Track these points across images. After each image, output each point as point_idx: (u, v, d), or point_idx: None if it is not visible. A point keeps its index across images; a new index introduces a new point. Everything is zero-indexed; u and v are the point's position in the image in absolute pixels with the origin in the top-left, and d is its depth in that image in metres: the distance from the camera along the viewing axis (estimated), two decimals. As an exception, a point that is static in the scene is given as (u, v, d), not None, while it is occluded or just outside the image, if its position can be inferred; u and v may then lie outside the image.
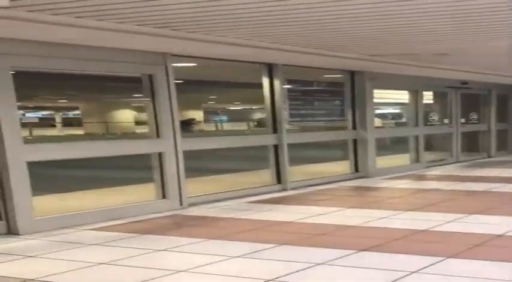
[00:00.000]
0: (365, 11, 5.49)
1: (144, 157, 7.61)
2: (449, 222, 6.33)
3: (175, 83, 7.57)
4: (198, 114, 30.33)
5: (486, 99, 15.23)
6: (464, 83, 13.76)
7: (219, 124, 33.61)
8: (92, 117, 27.27)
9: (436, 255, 4.83)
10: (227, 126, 32.56)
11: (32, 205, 6.18)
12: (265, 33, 6.72)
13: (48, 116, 29.30)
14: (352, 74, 10.78)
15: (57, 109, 29.42)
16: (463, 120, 14.38)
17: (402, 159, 12.74)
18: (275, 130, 9.23)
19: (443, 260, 4.71)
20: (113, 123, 27.45)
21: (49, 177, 8.34)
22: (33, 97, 20.82)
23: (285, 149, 9.24)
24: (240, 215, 7.07)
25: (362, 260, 4.79)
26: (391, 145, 14.97)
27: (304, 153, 11.59)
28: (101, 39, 6.30)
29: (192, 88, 16.57)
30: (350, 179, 10.60)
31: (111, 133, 26.12)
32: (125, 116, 28.41)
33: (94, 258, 4.95)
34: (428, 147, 13.45)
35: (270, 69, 9.09)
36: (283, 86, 9.26)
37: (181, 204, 7.59)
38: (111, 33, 6.00)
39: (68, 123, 29.90)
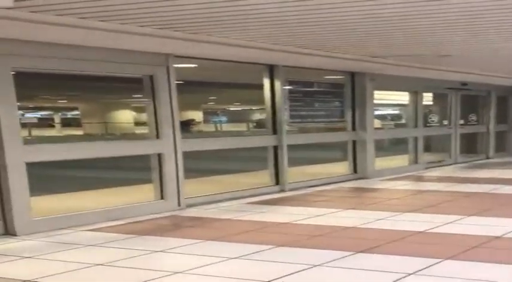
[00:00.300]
0: (373, 12, 5.50)
1: (144, 158, 7.61)
2: (447, 223, 6.32)
3: (176, 83, 7.57)
4: (197, 115, 30.31)
5: (485, 101, 15.24)
6: (464, 84, 13.76)
7: (218, 125, 33.59)
8: (91, 118, 27.26)
9: (434, 257, 4.82)
10: (226, 127, 32.53)
11: (30, 206, 6.18)
12: (268, 34, 6.74)
13: (48, 116, 29.27)
14: (352, 75, 10.78)
15: (57, 109, 29.40)
16: (462, 122, 14.39)
17: (401, 160, 12.74)
18: (275, 131, 9.23)
19: (440, 261, 4.70)
20: (113, 123, 27.45)
21: (47, 177, 8.32)
22: (32, 97, 20.79)
23: (285, 150, 9.24)
24: (237, 216, 7.06)
25: (359, 262, 4.79)
26: (390, 146, 14.97)
27: (303, 154, 11.58)
28: (103, 40, 6.31)
29: (192, 89, 16.55)
30: (348, 180, 10.59)
31: (111, 134, 26.10)
32: (125, 116, 28.41)
33: (91, 259, 4.95)
34: (427, 148, 13.45)
35: (271, 70, 9.09)
36: (284, 87, 9.26)
37: (179, 205, 7.58)
38: (113, 34, 6.01)
39: (67, 123, 29.87)
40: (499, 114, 15.57)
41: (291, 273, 4.43)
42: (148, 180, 7.66)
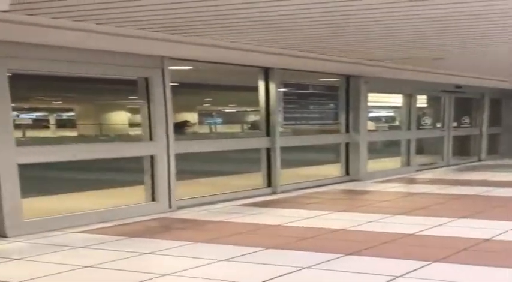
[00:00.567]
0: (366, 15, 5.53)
1: (136, 159, 7.61)
2: (437, 226, 6.34)
3: (171, 85, 7.58)
4: (192, 117, 30.29)
5: (479, 103, 15.29)
6: (458, 87, 13.82)
7: (213, 126, 33.59)
8: (86, 119, 27.24)
9: (422, 259, 4.84)
10: (221, 129, 32.54)
11: (21, 207, 6.17)
12: (262, 37, 6.75)
13: (42, 118, 29.21)
14: (347, 77, 10.81)
15: (51, 110, 29.35)
16: (455, 124, 14.43)
17: (393, 163, 12.77)
18: (268, 133, 9.24)
19: (429, 264, 4.71)
20: (107, 125, 27.42)
21: (38, 178, 8.31)
22: (27, 98, 20.78)
23: (278, 152, 9.25)
24: (228, 218, 7.07)
25: (348, 264, 4.80)
26: (382, 148, 15.01)
27: (295, 156, 11.60)
28: (99, 43, 6.32)
29: (187, 91, 16.57)
30: (341, 182, 10.61)
31: (105, 135, 26.08)
32: (119, 118, 28.37)
33: (81, 261, 4.95)
34: (420, 150, 13.49)
35: (266, 73, 9.11)
36: (279, 89, 9.28)
37: (170, 207, 7.59)
38: (109, 37, 6.02)
39: (62, 124, 29.83)
40: (492, 116, 15.63)
41: (280, 275, 4.44)
42: (140, 182, 7.66)
